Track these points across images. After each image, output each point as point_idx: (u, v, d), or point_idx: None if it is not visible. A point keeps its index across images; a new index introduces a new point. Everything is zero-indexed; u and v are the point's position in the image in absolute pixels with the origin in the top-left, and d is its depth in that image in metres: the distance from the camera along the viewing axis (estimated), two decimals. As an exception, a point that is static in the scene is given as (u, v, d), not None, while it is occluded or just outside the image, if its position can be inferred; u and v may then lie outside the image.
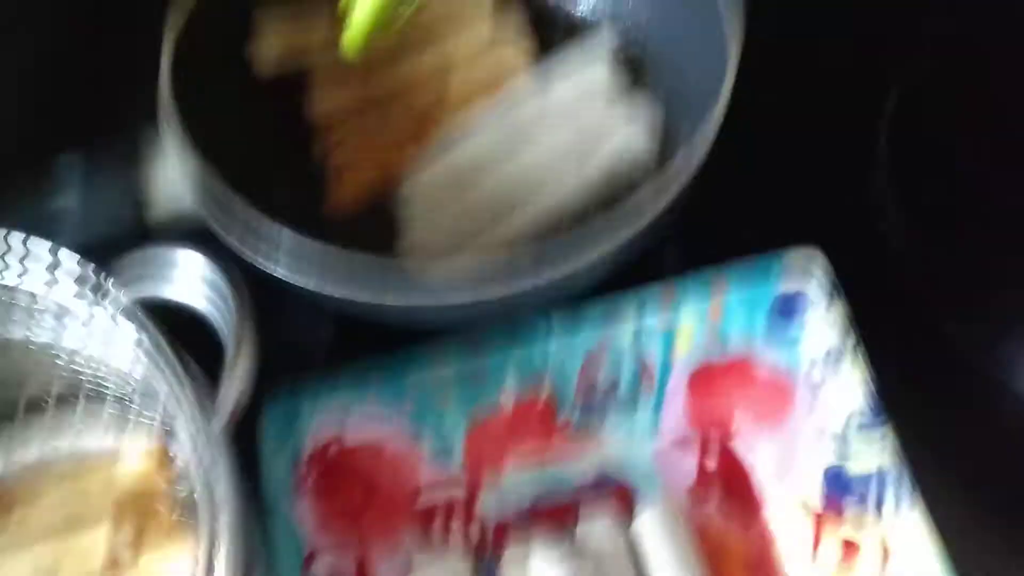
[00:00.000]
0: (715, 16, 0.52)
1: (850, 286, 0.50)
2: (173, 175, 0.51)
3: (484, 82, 0.61)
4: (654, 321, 0.51)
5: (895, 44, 0.61)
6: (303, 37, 0.60)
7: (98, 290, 0.43)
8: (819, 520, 0.47)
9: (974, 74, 0.60)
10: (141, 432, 0.48)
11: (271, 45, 0.59)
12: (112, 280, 0.42)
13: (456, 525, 0.50)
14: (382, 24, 0.54)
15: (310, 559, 0.47)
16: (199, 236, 0.51)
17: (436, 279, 0.55)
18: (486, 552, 0.49)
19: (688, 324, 0.51)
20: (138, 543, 0.45)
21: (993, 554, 0.49)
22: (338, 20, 0.56)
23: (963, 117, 0.59)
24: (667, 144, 0.59)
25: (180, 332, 0.47)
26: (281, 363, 0.50)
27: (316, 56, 0.59)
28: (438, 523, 0.49)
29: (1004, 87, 0.59)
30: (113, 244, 0.48)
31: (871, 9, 0.62)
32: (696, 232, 0.58)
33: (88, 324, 0.44)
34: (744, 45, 0.50)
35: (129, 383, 0.47)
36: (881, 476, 0.47)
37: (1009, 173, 0.57)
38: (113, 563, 0.44)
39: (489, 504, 0.50)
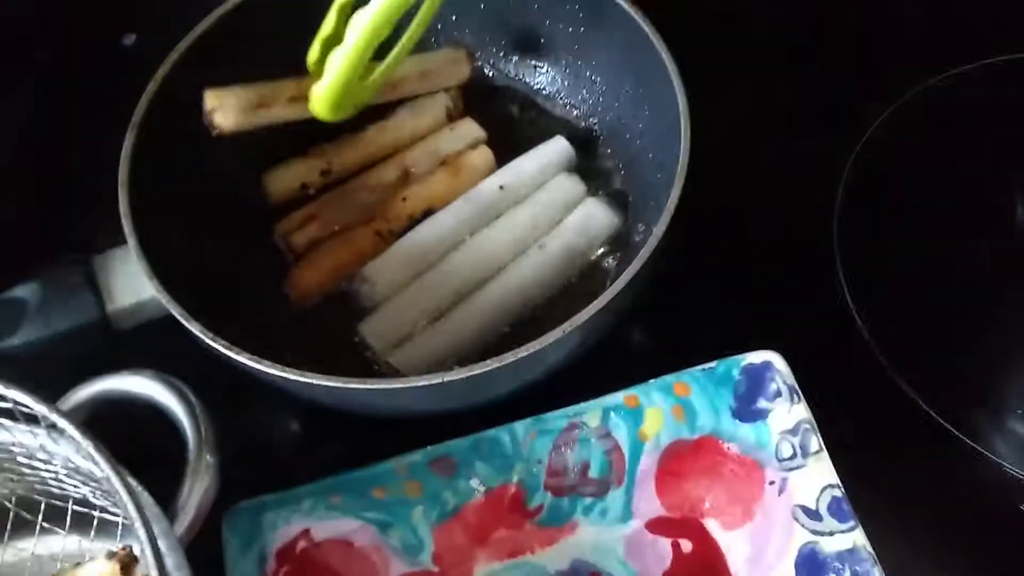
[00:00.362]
0: (670, 105, 0.53)
1: (812, 375, 0.50)
2: (132, 269, 0.50)
3: (444, 162, 0.61)
4: (622, 406, 0.51)
5: (839, 140, 0.63)
6: (266, 92, 0.57)
7: (53, 427, 0.42)
8: (795, 603, 0.47)
9: (910, 161, 0.63)
10: (106, 532, 0.47)
11: (233, 98, 0.56)
12: (65, 418, 0.42)
13: (429, 621, 0.49)
14: (354, 85, 0.53)
15: (279, 664, 0.46)
16: (162, 324, 0.51)
17: (401, 364, 0.54)
18: (460, 648, 0.48)
19: (655, 419, 0.51)
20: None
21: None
22: (304, 81, 0.55)
23: (906, 197, 0.62)
24: (629, 221, 0.59)
25: (145, 430, 0.47)
26: (246, 461, 0.50)
27: (278, 112, 0.57)
28: (410, 620, 0.49)
29: (939, 171, 0.63)
30: (76, 360, 0.48)
31: (811, 108, 0.65)
32: (657, 336, 0.58)
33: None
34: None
35: (91, 483, 0.46)
36: (854, 556, 0.46)
37: (950, 247, 0.60)
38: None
39: (462, 598, 0.49)
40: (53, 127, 0.65)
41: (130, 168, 0.52)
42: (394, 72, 0.56)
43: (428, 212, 0.59)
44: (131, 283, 0.51)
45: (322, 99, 0.53)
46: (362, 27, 0.49)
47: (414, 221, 0.59)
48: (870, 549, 0.46)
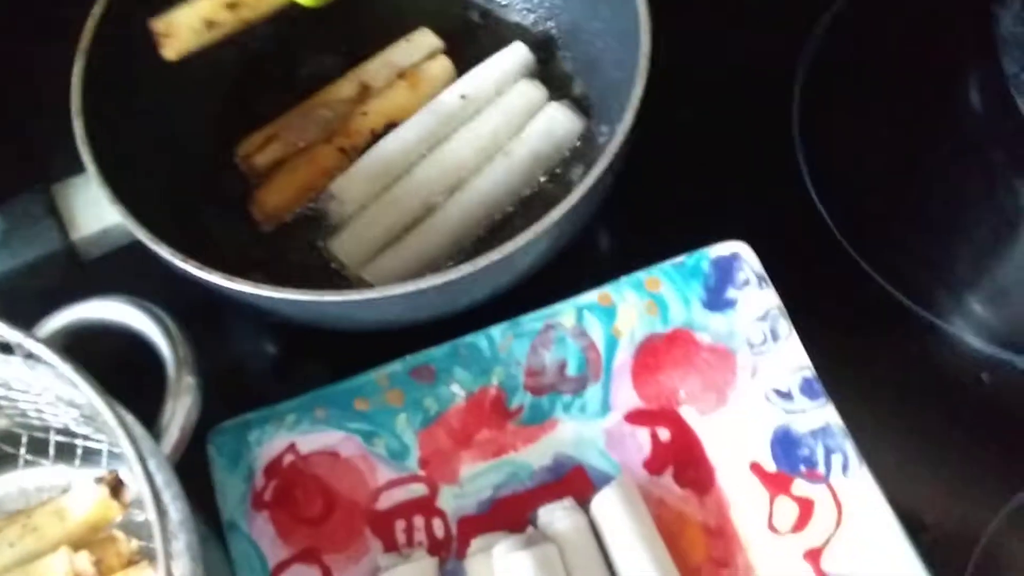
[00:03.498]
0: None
1: (778, 262, 0.51)
2: (93, 196, 0.50)
3: (403, 75, 0.60)
4: (595, 305, 0.51)
5: (797, 27, 0.63)
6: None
7: (29, 356, 0.42)
8: (772, 481, 0.48)
9: (866, 48, 0.64)
10: (91, 461, 0.47)
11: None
12: (41, 343, 0.41)
13: (419, 523, 0.50)
14: None
15: (275, 574, 0.47)
16: (129, 251, 0.50)
17: (374, 278, 0.55)
18: (451, 548, 0.49)
19: (628, 315, 0.52)
20: (98, 571, 0.44)
21: (932, 497, 0.51)
22: None
23: (863, 84, 0.63)
24: (592, 124, 0.59)
25: (121, 357, 0.47)
26: (226, 384, 0.50)
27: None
28: (400, 523, 0.50)
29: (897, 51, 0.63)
30: (44, 289, 0.48)
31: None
32: (626, 234, 0.59)
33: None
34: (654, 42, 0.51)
35: (72, 409, 0.46)
36: (827, 432, 0.48)
37: (908, 131, 0.61)
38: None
39: (449, 499, 0.50)
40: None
41: (82, 95, 0.51)
42: None
43: (390, 126, 0.59)
44: (94, 210, 0.50)
45: None
46: None
47: (376, 135, 0.59)
48: (841, 424, 0.48)
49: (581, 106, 0.60)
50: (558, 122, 0.58)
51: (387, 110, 0.59)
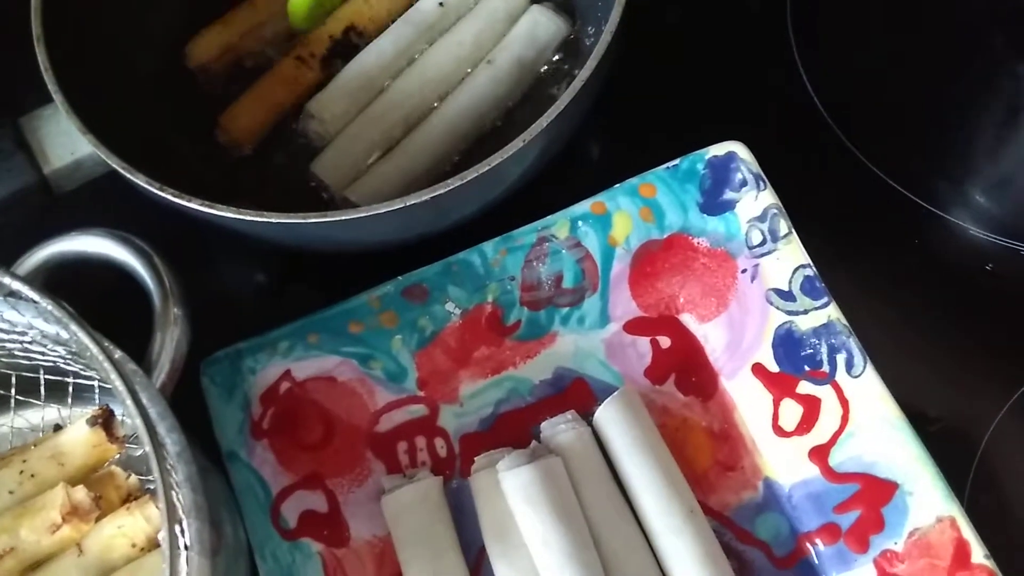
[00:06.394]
0: None
1: (775, 160, 0.50)
2: (63, 127, 0.48)
3: None
4: (589, 214, 0.50)
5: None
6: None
7: (11, 294, 0.41)
8: (775, 382, 0.48)
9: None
10: (83, 399, 0.46)
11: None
12: (20, 280, 0.40)
13: (421, 444, 0.49)
14: None
15: (279, 501, 0.47)
16: (105, 184, 0.49)
17: (360, 198, 0.53)
18: (455, 466, 0.49)
19: (623, 223, 0.50)
20: (99, 507, 0.43)
21: (939, 390, 0.50)
22: None
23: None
24: (578, 26, 0.57)
25: (106, 293, 0.46)
26: (216, 315, 0.49)
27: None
28: (402, 444, 0.49)
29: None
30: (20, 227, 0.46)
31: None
32: (618, 143, 0.57)
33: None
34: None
35: (60, 347, 0.45)
36: (830, 330, 0.47)
37: (905, 21, 0.59)
38: (74, 510, 0.43)
39: (450, 418, 0.50)
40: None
41: (42, 20, 0.48)
42: None
43: (349, 30, 0.56)
44: (65, 141, 0.48)
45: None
46: None
47: (335, 41, 0.56)
48: (844, 322, 0.47)
49: (565, 8, 0.57)
50: (542, 25, 0.56)
51: (344, 13, 0.56)
